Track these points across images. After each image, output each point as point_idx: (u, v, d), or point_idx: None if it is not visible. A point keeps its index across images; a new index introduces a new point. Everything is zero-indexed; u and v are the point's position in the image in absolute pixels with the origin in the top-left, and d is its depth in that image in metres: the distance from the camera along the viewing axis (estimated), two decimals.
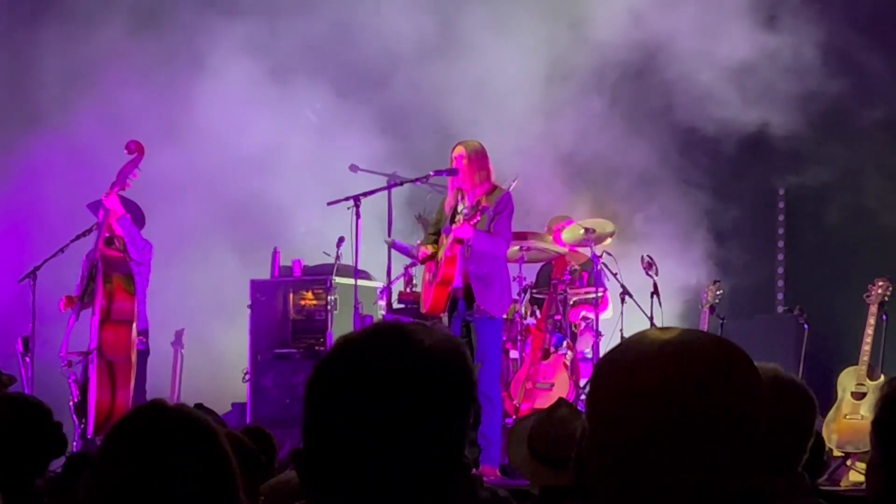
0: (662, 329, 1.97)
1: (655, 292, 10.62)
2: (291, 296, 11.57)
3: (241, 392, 11.72)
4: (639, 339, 1.94)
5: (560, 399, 5.00)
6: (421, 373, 1.96)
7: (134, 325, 9.85)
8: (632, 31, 12.34)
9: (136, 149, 10.14)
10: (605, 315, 11.24)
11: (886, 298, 9.67)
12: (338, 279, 11.28)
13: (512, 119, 12.53)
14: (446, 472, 1.97)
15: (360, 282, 10.50)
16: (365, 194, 9.95)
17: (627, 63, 12.63)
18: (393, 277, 11.09)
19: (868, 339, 9.50)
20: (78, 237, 10.23)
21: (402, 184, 10.45)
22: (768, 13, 12.17)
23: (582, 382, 10.66)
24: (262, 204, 13.23)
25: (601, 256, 11.09)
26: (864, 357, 9.49)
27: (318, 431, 1.98)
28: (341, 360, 2.00)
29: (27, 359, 9.98)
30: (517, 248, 10.64)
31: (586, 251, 11.19)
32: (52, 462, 4.27)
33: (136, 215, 10.47)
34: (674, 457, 1.83)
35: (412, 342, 1.98)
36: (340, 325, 10.97)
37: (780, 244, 13.06)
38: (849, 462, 9.34)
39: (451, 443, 1.98)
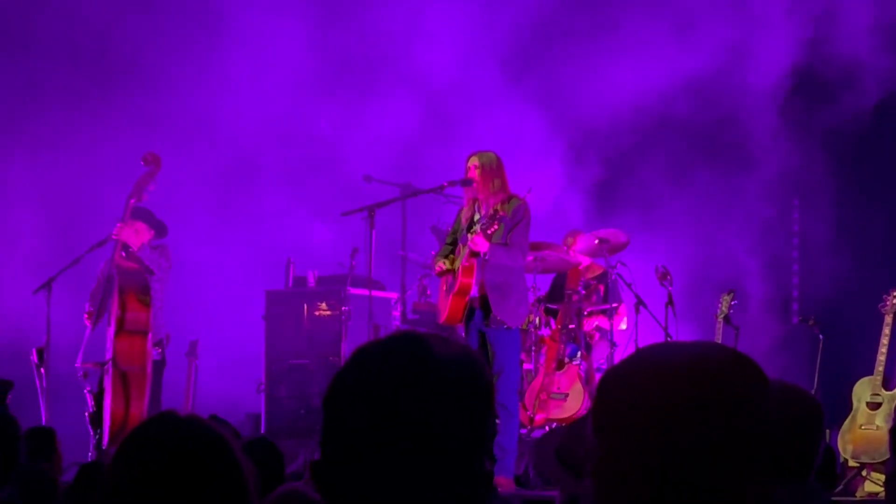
0: (672, 343, 1.97)
1: (670, 302, 10.61)
2: (306, 306, 11.57)
3: (256, 403, 11.73)
4: (647, 353, 1.94)
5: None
6: (438, 383, 1.96)
7: (149, 335, 9.86)
8: None
9: (152, 160, 10.12)
10: (621, 326, 11.22)
11: None
12: (352, 290, 11.29)
13: None
14: (466, 482, 1.98)
15: (375, 293, 10.49)
16: (379, 205, 9.93)
17: None
18: (407, 288, 11.10)
19: (883, 350, 9.48)
20: (93, 248, 10.23)
21: (416, 194, 10.44)
22: None
23: None
24: (276, 213, 13.25)
25: (615, 267, 11.08)
26: (879, 367, 9.47)
27: (336, 442, 1.98)
28: (359, 371, 2.01)
29: (42, 370, 9.99)
30: (531, 258, 10.63)
31: (601, 262, 11.19)
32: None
33: (159, 230, 10.48)
34: (685, 470, 1.83)
35: (429, 352, 1.98)
36: (354, 336, 10.97)
37: (795, 254, 13.04)
38: (864, 472, 9.31)
39: (471, 453, 1.98)
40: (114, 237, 10.03)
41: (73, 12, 12.98)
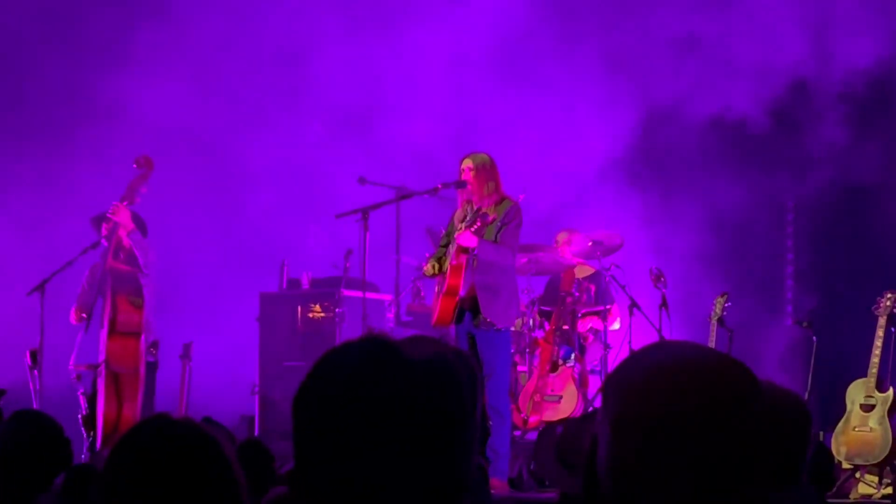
0: (663, 345, 1.97)
1: (664, 305, 10.61)
2: (300, 308, 11.57)
3: (250, 405, 11.72)
4: (643, 356, 1.94)
5: (596, 410, 5.01)
6: (404, 385, 1.94)
7: (142, 337, 9.86)
8: None
9: (144, 163, 10.11)
10: (613, 326, 11.22)
11: (895, 311, 9.65)
12: (346, 292, 11.28)
13: None
14: (444, 488, 1.96)
15: (369, 295, 10.49)
16: (374, 207, 9.93)
17: None
18: (401, 290, 11.09)
19: (876, 352, 9.48)
20: (86, 250, 10.21)
21: (410, 196, 10.43)
22: None
23: (590, 395, 10.65)
24: (270, 216, 13.23)
25: (609, 269, 11.08)
26: (873, 369, 9.47)
27: (304, 446, 1.97)
28: (325, 375, 2.00)
29: (35, 372, 9.98)
30: (525, 260, 10.63)
31: (594, 264, 11.18)
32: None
33: (141, 228, 10.46)
34: (679, 472, 1.83)
35: (395, 354, 1.97)
36: (348, 338, 10.95)
37: (790, 256, 13.05)
38: (858, 474, 9.31)
39: (448, 459, 1.96)
40: (109, 215, 10.01)
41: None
